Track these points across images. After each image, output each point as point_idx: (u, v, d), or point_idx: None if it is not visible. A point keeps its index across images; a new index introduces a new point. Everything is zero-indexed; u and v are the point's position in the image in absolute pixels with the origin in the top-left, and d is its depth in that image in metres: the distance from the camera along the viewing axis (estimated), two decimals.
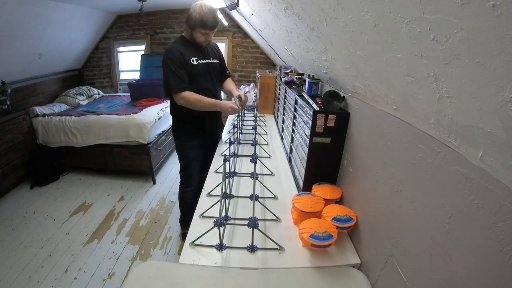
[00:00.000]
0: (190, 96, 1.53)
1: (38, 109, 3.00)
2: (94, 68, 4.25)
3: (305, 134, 1.20)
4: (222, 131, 2.06)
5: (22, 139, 2.76)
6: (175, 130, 1.82)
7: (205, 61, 1.65)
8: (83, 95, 3.60)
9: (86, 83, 4.24)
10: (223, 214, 1.02)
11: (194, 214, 1.14)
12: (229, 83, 1.87)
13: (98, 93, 3.91)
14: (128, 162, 2.91)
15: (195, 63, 1.58)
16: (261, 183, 1.32)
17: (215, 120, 1.85)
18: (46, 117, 2.97)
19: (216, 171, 1.50)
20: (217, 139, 1.97)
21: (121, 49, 4.24)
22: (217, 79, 1.79)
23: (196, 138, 1.76)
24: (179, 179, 1.92)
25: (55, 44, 3.16)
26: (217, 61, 1.75)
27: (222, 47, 4.02)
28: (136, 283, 0.82)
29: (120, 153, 2.89)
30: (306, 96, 1.38)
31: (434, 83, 0.48)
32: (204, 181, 1.39)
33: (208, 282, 0.83)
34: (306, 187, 1.23)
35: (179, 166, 1.89)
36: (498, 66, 0.33)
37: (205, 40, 1.56)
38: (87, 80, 4.30)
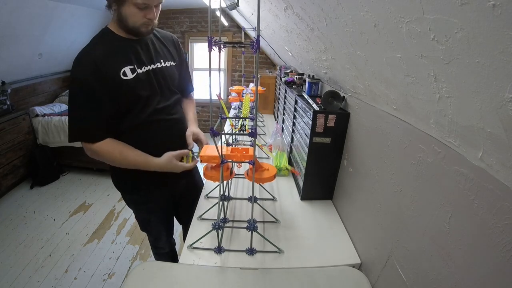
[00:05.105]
0: (106, 151, 0.93)
1: (38, 109, 3.00)
2: None
3: (305, 134, 1.20)
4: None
5: (22, 139, 2.77)
6: (117, 181, 1.13)
7: (149, 68, 0.98)
8: None
9: None
10: (221, 216, 1.01)
11: (193, 216, 1.13)
12: (189, 107, 1.21)
13: None
14: None
15: (129, 77, 0.93)
16: (260, 185, 1.31)
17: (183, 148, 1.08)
18: (46, 117, 2.97)
19: None
20: (196, 182, 1.35)
21: None
22: (177, 93, 1.12)
23: (154, 190, 1.13)
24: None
25: (55, 44, 3.16)
26: (173, 63, 1.08)
27: None
28: (136, 283, 0.82)
29: None
30: (306, 96, 1.38)
31: (434, 83, 0.48)
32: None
33: (208, 282, 0.83)
34: (306, 187, 1.23)
35: None
36: (498, 66, 0.33)
37: (145, 22, 0.90)
38: None
